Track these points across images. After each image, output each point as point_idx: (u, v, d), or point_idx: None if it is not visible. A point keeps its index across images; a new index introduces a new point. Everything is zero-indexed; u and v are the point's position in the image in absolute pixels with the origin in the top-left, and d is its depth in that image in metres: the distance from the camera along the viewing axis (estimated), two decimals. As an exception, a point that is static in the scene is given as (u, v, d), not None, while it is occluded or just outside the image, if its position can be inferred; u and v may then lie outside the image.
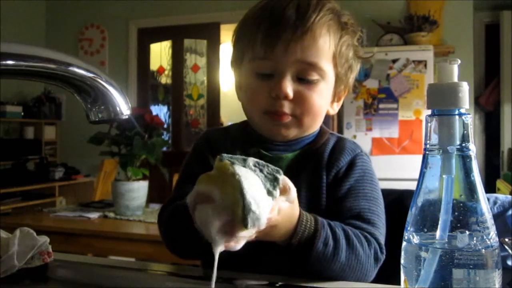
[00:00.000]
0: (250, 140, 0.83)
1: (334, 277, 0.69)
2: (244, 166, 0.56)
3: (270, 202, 0.57)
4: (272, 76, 0.76)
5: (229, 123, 1.00)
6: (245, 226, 0.53)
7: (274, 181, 0.58)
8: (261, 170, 0.58)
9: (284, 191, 0.60)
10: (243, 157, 0.58)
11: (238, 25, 0.82)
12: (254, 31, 0.77)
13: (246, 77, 0.80)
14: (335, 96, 0.84)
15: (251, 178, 0.55)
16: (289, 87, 0.75)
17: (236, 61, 0.84)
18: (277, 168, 0.59)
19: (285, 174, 0.80)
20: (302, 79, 0.76)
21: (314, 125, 0.82)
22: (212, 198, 0.55)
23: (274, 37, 0.74)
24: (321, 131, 0.86)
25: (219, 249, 0.55)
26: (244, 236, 0.56)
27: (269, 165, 0.58)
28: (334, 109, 0.86)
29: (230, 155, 0.57)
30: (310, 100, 0.76)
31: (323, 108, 0.80)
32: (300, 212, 0.66)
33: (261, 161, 0.58)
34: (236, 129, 0.88)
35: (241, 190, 0.53)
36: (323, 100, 0.79)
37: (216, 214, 0.54)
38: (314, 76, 0.76)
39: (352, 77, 0.84)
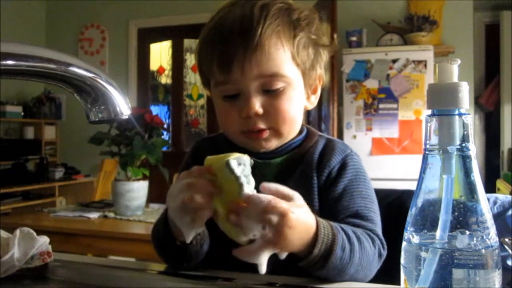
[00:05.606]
0: (238, 149, 0.81)
1: (346, 280, 0.68)
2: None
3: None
4: (238, 95, 0.76)
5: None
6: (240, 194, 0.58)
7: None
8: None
9: (287, 199, 0.60)
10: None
11: (197, 49, 0.81)
12: (209, 58, 0.76)
13: (215, 100, 0.81)
14: (309, 90, 0.83)
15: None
16: (257, 104, 0.74)
17: (205, 84, 0.84)
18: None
19: (275, 178, 0.81)
20: (268, 91, 0.75)
21: (293, 131, 0.81)
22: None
23: (228, 62, 0.74)
24: (309, 134, 0.85)
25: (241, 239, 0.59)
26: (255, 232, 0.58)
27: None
28: (312, 103, 0.85)
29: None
30: (281, 109, 0.76)
31: (297, 112, 0.79)
32: (316, 218, 0.64)
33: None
34: (224, 137, 0.86)
35: (229, 165, 0.58)
36: (295, 104, 0.78)
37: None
38: (279, 85, 0.75)
39: (320, 66, 0.82)
